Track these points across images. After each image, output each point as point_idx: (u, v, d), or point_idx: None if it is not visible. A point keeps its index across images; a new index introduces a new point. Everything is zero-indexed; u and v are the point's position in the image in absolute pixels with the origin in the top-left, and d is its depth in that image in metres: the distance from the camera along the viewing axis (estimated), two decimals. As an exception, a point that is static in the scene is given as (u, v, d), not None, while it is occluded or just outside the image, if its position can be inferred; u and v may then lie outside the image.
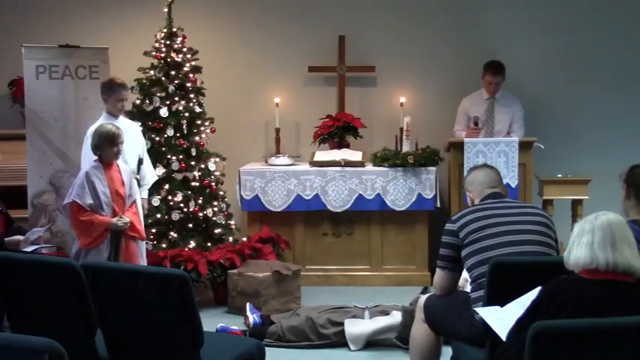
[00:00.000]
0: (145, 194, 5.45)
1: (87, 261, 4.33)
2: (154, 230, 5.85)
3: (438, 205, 6.18)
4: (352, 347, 4.70)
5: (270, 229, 6.09)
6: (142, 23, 6.55)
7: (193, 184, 6.00)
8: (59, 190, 5.87)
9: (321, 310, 4.95)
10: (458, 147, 5.95)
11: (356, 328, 4.74)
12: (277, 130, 6.63)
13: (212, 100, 6.27)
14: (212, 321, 5.04)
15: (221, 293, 5.66)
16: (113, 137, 4.61)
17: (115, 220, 4.56)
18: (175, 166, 5.90)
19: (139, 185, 5.29)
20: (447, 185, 6.21)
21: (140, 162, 5.19)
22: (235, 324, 5.03)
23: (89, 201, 4.52)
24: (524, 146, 5.90)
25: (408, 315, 4.58)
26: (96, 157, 4.64)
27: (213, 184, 6.04)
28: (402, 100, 6.61)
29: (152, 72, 6.02)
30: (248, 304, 5.13)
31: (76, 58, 5.84)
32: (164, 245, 5.77)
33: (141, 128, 5.59)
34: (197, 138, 6.04)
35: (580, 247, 2.73)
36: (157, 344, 3.17)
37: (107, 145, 4.60)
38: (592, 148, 6.72)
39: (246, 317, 5.02)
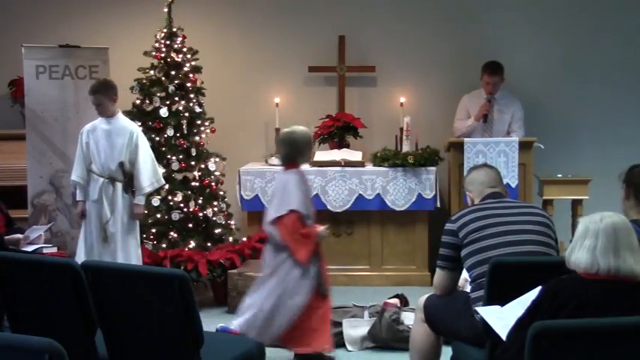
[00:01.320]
0: (139, 200, 5.26)
1: (87, 261, 4.32)
2: (154, 230, 5.85)
3: (438, 205, 6.18)
4: (350, 348, 4.69)
5: (270, 229, 6.08)
6: (142, 23, 6.55)
7: (193, 184, 6.00)
8: (59, 190, 5.88)
9: None
10: (458, 147, 5.95)
11: (354, 330, 4.74)
12: (277, 130, 6.62)
13: (212, 100, 6.27)
14: (212, 321, 5.03)
15: (221, 293, 5.66)
16: (311, 139, 4.34)
17: (321, 229, 4.23)
18: (175, 166, 5.90)
19: (127, 192, 5.21)
20: (447, 185, 6.22)
21: (121, 165, 5.15)
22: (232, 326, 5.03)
23: (305, 211, 4.17)
24: (524, 146, 5.90)
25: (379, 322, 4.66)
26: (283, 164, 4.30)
27: (213, 184, 6.04)
28: (402, 100, 6.61)
29: (152, 72, 6.02)
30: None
31: (76, 58, 5.85)
32: (164, 245, 5.78)
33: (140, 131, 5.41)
34: (197, 138, 6.05)
35: (582, 250, 2.71)
36: (157, 344, 3.17)
37: (308, 149, 4.30)
38: (592, 148, 6.73)
39: None
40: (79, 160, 5.19)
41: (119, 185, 5.17)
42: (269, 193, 6.18)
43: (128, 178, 5.20)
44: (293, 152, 4.23)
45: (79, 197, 5.23)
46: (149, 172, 5.25)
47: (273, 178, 6.19)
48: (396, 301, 5.07)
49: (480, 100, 6.29)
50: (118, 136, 5.16)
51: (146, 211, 5.80)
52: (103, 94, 5.11)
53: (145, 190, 5.23)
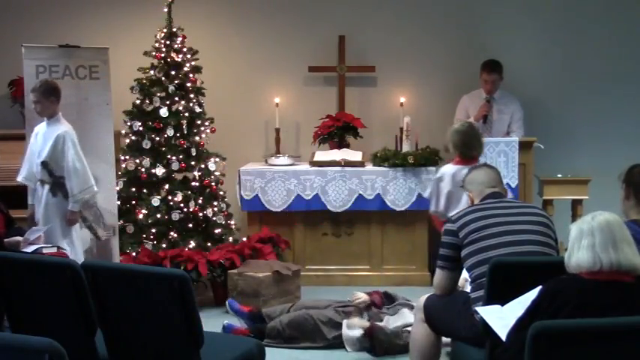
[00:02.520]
0: (72, 206, 5.18)
1: (87, 261, 4.32)
2: (154, 230, 5.85)
3: (438, 205, 6.18)
4: (349, 350, 4.68)
5: (270, 229, 6.09)
6: (142, 23, 6.55)
7: (193, 184, 6.00)
8: (59, 190, 5.86)
9: (320, 307, 4.91)
10: (458, 147, 5.95)
11: (352, 331, 4.71)
12: (277, 130, 6.63)
13: (212, 100, 6.27)
14: (212, 321, 5.04)
15: (221, 293, 5.66)
16: None
17: None
18: (175, 166, 5.90)
19: (55, 194, 5.16)
20: (447, 185, 6.21)
21: (44, 165, 5.12)
22: (236, 324, 5.03)
23: None
24: (524, 146, 5.89)
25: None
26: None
27: (213, 184, 6.05)
28: (402, 100, 6.61)
29: (152, 72, 6.03)
30: (228, 302, 5.12)
31: (76, 58, 5.83)
32: (164, 245, 5.78)
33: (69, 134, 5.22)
34: (197, 138, 6.05)
35: (581, 250, 2.72)
36: (157, 344, 3.17)
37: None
38: (592, 148, 6.72)
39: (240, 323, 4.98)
40: (24, 162, 5.31)
41: (47, 187, 5.19)
42: (269, 193, 6.19)
43: (55, 179, 5.16)
44: (471, 147, 4.57)
45: (29, 201, 5.33)
46: (79, 177, 5.18)
47: (274, 178, 6.20)
48: (365, 298, 4.94)
49: (479, 100, 6.29)
50: (49, 139, 5.17)
51: (145, 211, 5.82)
52: (41, 93, 5.17)
53: (76, 197, 5.16)
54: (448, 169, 4.68)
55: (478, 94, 6.33)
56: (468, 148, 4.57)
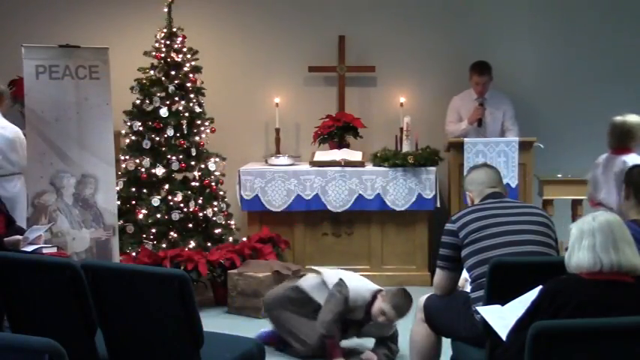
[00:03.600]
0: None
1: (87, 261, 4.32)
2: (153, 230, 5.85)
3: (438, 205, 6.18)
4: None
5: (270, 229, 6.09)
6: (142, 23, 6.55)
7: (193, 184, 6.00)
8: (60, 191, 5.86)
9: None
10: (458, 147, 5.95)
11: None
12: (277, 130, 6.63)
13: (212, 100, 6.27)
14: (212, 321, 5.04)
15: (221, 293, 5.66)
16: None
17: None
18: (175, 166, 5.90)
19: None
20: (447, 185, 6.22)
21: None
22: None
23: None
24: (524, 146, 5.90)
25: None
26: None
27: (213, 184, 6.04)
28: (402, 100, 6.62)
29: (152, 72, 6.02)
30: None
31: (76, 58, 5.83)
32: (164, 245, 5.77)
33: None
34: (197, 138, 6.05)
35: (582, 250, 2.72)
36: (157, 344, 3.18)
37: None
38: (592, 147, 6.69)
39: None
40: None
41: None
42: (269, 193, 6.19)
43: None
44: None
45: None
46: None
47: (274, 178, 6.20)
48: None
49: (470, 101, 6.30)
50: None
51: (145, 211, 5.81)
52: None
53: None
54: (602, 156, 5.29)
55: (469, 95, 6.34)
56: (612, 139, 5.18)
